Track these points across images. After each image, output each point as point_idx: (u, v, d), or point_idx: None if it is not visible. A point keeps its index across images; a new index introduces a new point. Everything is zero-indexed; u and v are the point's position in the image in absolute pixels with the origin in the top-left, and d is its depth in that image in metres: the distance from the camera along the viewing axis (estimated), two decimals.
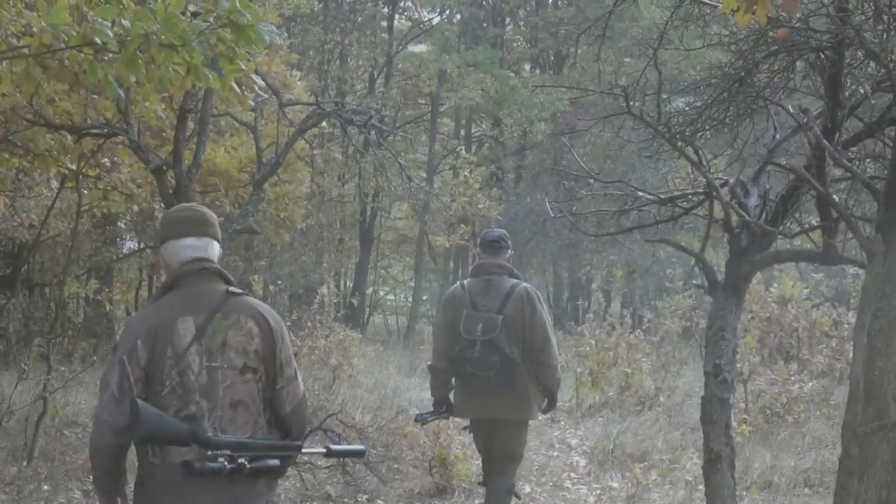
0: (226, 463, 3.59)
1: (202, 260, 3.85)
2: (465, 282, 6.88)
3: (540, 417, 7.79)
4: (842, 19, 4.62)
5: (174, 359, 3.66)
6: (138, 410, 3.51)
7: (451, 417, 7.21)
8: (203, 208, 4.09)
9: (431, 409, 7.04)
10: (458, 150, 29.62)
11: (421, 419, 7.17)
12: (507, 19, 32.56)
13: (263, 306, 3.91)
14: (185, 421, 3.62)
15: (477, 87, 26.94)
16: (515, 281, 6.73)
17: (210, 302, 3.76)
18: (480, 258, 6.90)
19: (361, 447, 4.49)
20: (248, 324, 3.77)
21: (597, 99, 15.19)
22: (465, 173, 24.03)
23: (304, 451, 4.09)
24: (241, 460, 3.62)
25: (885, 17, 4.73)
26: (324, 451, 4.19)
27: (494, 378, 6.48)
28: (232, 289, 3.82)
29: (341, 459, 8.22)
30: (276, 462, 3.75)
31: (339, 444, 7.88)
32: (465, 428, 7.37)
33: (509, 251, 6.86)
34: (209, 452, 3.60)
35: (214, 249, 3.93)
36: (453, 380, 6.82)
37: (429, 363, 7.06)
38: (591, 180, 6.98)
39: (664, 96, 5.80)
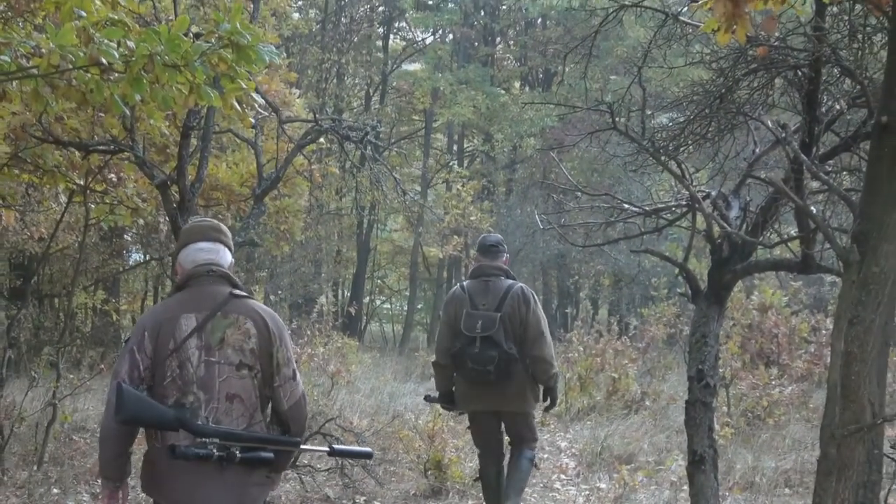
0: (214, 450, 3.81)
1: (212, 263, 4.10)
2: (465, 283, 7.17)
3: (542, 413, 7.98)
4: (818, 38, 4.76)
5: (175, 351, 3.91)
6: (121, 393, 3.74)
7: (452, 411, 7.43)
8: (217, 221, 4.34)
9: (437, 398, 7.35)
10: (450, 164, 29.89)
11: (429, 399, 7.50)
12: (498, 39, 32.67)
13: (265, 309, 4.14)
14: (181, 409, 3.85)
15: (469, 104, 27.15)
16: (511, 281, 7.04)
17: (213, 302, 4.01)
18: (479, 261, 7.16)
19: (369, 449, 4.67)
20: (246, 324, 4.00)
21: (584, 115, 15.43)
22: (458, 187, 24.24)
23: (306, 448, 4.29)
24: (232, 449, 3.84)
25: (860, 36, 4.87)
26: (327, 449, 4.41)
27: (493, 372, 6.77)
28: (236, 291, 4.06)
29: (339, 462, 8.33)
30: (269, 455, 3.95)
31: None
32: (468, 428, 7.63)
33: (505, 255, 7.17)
34: (198, 439, 3.82)
35: (226, 256, 4.18)
36: (455, 375, 7.09)
37: (433, 361, 7.33)
38: (579, 193, 7.09)
39: (648, 112, 5.96)
